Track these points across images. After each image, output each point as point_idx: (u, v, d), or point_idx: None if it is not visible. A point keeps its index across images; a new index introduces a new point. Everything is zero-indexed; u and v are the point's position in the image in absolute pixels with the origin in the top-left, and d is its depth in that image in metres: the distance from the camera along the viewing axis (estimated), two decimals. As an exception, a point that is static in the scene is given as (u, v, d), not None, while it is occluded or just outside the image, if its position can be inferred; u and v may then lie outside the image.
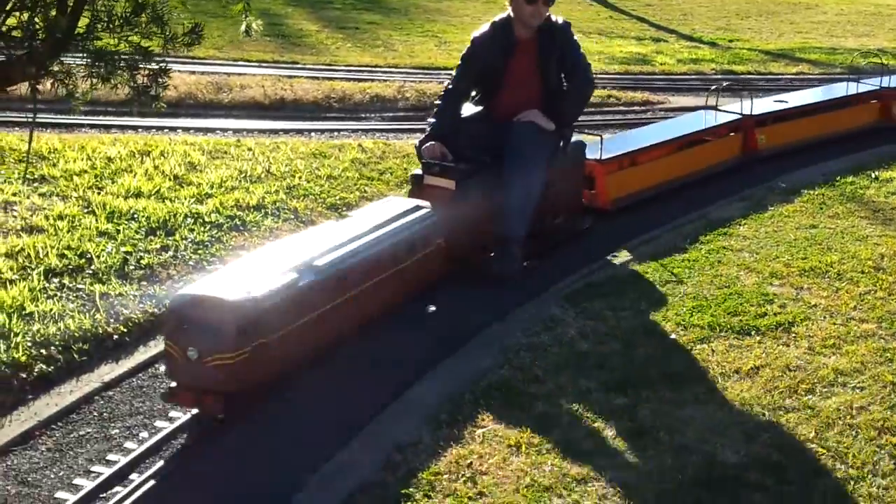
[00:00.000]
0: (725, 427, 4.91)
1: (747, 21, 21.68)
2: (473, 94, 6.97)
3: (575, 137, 7.27)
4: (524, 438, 4.85)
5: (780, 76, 15.31)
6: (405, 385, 5.47)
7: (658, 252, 7.28)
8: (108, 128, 10.13)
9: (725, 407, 5.10)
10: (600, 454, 4.72)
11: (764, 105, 10.00)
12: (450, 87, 6.90)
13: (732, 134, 9.43)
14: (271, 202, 7.93)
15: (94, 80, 6.42)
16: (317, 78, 13.03)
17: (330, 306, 5.39)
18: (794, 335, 5.92)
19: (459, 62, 6.93)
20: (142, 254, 6.80)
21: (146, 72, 6.51)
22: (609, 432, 4.90)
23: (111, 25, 6.39)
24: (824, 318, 6.16)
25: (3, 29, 6.50)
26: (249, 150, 9.38)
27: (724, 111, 9.63)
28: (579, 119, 7.35)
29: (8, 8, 6.44)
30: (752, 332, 5.95)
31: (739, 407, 5.10)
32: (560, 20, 6.81)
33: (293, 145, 9.72)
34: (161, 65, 6.49)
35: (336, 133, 10.74)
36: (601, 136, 7.94)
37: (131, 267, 6.62)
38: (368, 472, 4.66)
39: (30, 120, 8.10)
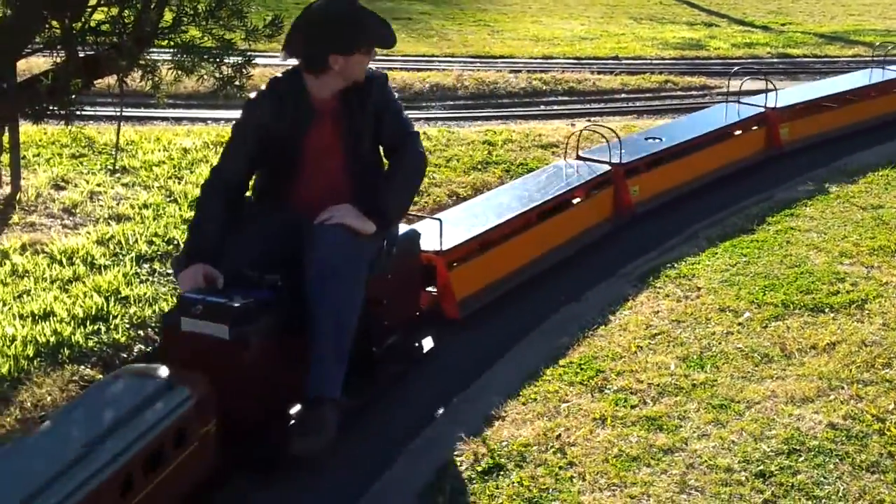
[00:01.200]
0: (806, 399, 5.05)
1: (798, 4, 21.61)
2: (255, 178, 4.85)
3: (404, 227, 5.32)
4: (608, 412, 5.01)
5: (836, 59, 15.29)
6: (489, 361, 5.67)
7: (726, 233, 7.43)
8: (178, 120, 10.40)
9: (804, 380, 5.23)
10: (684, 426, 4.87)
11: (637, 147, 7.95)
12: (214, 173, 4.68)
13: (599, 191, 7.48)
14: (344, 189, 8.12)
15: (180, 73, 6.70)
16: (376, 68, 13.24)
17: None
18: (867, 312, 6.03)
19: (230, 135, 4.75)
20: (225, 240, 7.03)
21: (230, 63, 6.77)
22: (691, 405, 5.05)
23: (196, 19, 6.66)
24: (896, 295, 6.27)
25: (92, 24, 6.79)
26: (318, 139, 9.60)
27: (594, 160, 7.65)
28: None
29: (96, 3, 6.72)
30: (826, 310, 6.07)
31: (818, 381, 5.23)
32: (371, 73, 4.72)
33: (359, 134, 9.93)
34: (245, 56, 6.75)
35: (399, 122, 10.93)
36: (440, 219, 5.95)
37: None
38: (458, 445, 4.85)
39: (116, 113, 8.38)
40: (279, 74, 4.77)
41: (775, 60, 14.46)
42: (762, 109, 9.21)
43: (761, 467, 4.50)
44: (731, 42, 16.33)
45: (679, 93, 12.88)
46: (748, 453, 4.61)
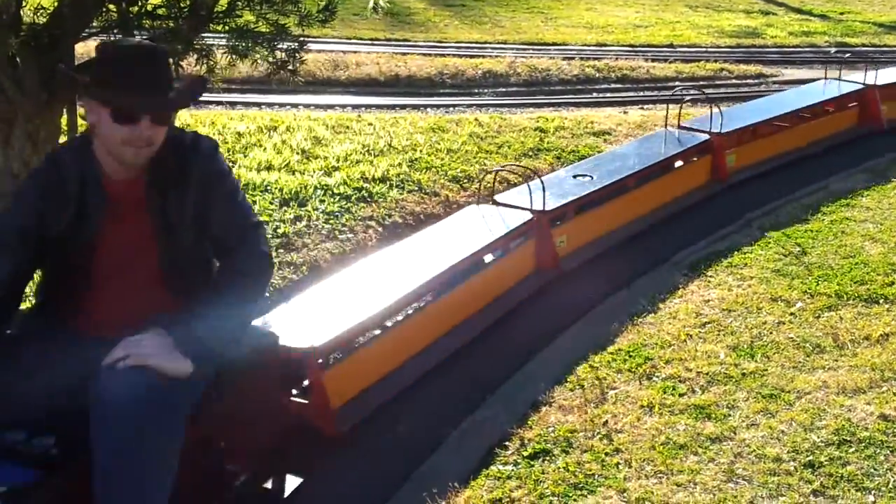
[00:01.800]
0: (857, 390, 4.99)
1: (858, -8, 21.24)
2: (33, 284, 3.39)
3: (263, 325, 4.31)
4: (656, 399, 4.99)
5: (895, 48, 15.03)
6: (538, 348, 5.68)
7: (780, 223, 7.37)
8: (233, 104, 10.51)
9: (856, 371, 5.16)
10: (732, 415, 4.84)
11: (565, 188, 7.02)
12: None
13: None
14: (395, 174, 8.17)
15: (234, 57, 6.75)
16: (428, 54, 13.25)
17: None
18: (922, 304, 5.95)
19: None
20: (277, 223, 7.11)
21: (284, 48, 6.82)
22: (740, 395, 5.01)
23: (250, 3, 6.71)
24: (953, 287, 6.17)
25: (149, 7, 6.87)
26: (370, 125, 9.65)
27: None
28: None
29: (153, -12, 6.79)
30: (881, 301, 5.99)
31: (870, 372, 5.16)
32: (194, 138, 3.32)
33: (411, 120, 9.96)
34: (298, 41, 6.79)
35: (451, 108, 10.95)
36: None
37: (268, 236, 6.92)
38: (505, 428, 4.87)
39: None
40: (62, 144, 3.49)
41: (833, 47, 14.26)
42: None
43: (810, 458, 4.46)
44: (788, 30, 16.14)
45: (734, 81, 12.75)
46: (797, 443, 4.57)
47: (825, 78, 9.88)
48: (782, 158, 8.75)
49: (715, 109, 8.20)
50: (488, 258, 6.16)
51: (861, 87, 9.57)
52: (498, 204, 6.60)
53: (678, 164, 7.92)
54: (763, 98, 10.14)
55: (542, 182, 6.57)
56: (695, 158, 8.06)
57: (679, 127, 8.30)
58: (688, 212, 7.70)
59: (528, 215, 6.39)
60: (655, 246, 7.12)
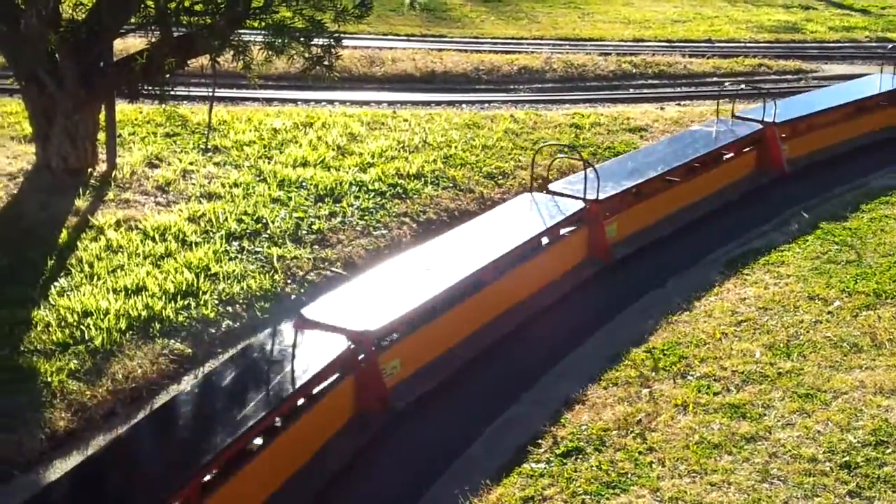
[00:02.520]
0: (895, 391, 4.93)
1: (900, -14, 20.95)
2: None
3: None
4: (691, 398, 4.95)
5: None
6: (572, 345, 5.67)
7: (818, 220, 7.29)
8: (269, 101, 10.53)
9: (894, 371, 5.10)
10: (768, 415, 4.79)
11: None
12: None
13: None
14: (430, 171, 8.16)
15: (271, 53, 6.79)
16: (464, 50, 13.21)
17: None
18: (963, 303, 5.86)
19: None
20: (312, 219, 7.13)
21: (319, 44, 6.85)
22: (776, 394, 4.97)
23: (287, 0, 6.74)
24: None
25: (186, 4, 6.92)
26: (405, 121, 9.65)
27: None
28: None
29: (190, -16, 6.84)
30: (920, 300, 5.91)
31: (909, 372, 5.10)
32: None
33: (447, 116, 9.95)
34: (334, 36, 6.82)
35: (487, 104, 10.92)
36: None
37: (303, 231, 6.96)
38: (538, 426, 4.86)
39: (209, 93, 8.53)
40: None
41: (875, 44, 14.07)
42: None
43: (847, 458, 4.41)
44: (829, 25, 15.95)
45: (773, 76, 12.62)
46: (833, 444, 4.52)
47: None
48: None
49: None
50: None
51: None
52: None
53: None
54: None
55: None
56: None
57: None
58: (727, 208, 7.69)
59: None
60: (696, 239, 7.12)
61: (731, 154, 7.92)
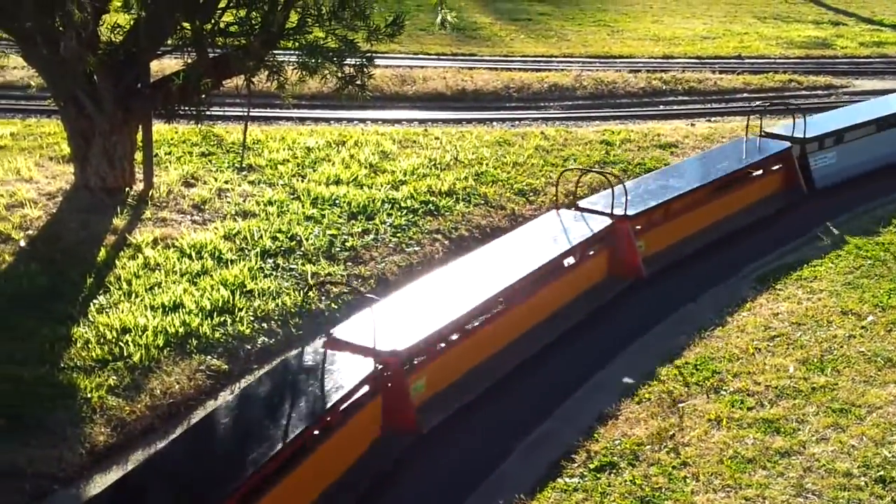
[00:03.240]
0: (930, 405, 4.92)
1: (933, 1, 20.84)
2: None
3: None
4: (724, 413, 4.97)
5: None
6: (604, 361, 5.69)
7: (851, 235, 7.29)
8: (302, 120, 10.65)
9: (929, 386, 5.09)
10: (802, 429, 4.80)
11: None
12: None
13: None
14: (461, 188, 8.22)
15: (304, 73, 6.89)
16: (495, 69, 13.29)
17: None
18: None
19: None
20: (346, 237, 7.20)
21: (352, 63, 6.94)
22: (810, 409, 4.97)
23: (320, 20, 6.84)
24: None
25: (221, 25, 7.03)
26: (437, 139, 9.72)
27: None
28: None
29: (224, 5, 6.97)
30: (954, 314, 5.89)
31: (944, 386, 5.09)
32: None
33: (478, 134, 10.02)
34: (366, 56, 6.90)
35: (517, 122, 10.97)
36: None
37: (337, 249, 7.03)
38: (571, 441, 4.88)
39: (244, 113, 8.63)
40: None
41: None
42: None
43: (882, 473, 4.41)
44: (859, 41, 15.90)
45: (804, 92, 12.60)
46: (868, 458, 4.52)
47: None
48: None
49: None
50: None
51: None
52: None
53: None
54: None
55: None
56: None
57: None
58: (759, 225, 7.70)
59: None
60: (727, 255, 7.12)
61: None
